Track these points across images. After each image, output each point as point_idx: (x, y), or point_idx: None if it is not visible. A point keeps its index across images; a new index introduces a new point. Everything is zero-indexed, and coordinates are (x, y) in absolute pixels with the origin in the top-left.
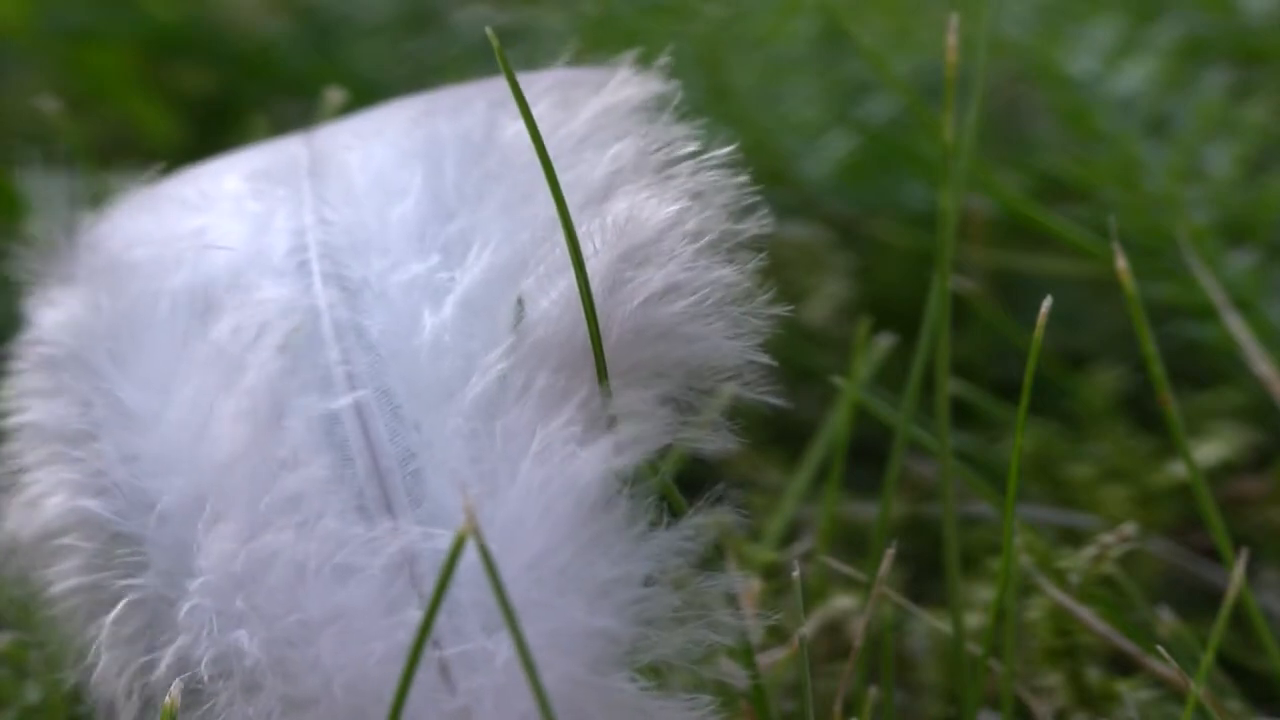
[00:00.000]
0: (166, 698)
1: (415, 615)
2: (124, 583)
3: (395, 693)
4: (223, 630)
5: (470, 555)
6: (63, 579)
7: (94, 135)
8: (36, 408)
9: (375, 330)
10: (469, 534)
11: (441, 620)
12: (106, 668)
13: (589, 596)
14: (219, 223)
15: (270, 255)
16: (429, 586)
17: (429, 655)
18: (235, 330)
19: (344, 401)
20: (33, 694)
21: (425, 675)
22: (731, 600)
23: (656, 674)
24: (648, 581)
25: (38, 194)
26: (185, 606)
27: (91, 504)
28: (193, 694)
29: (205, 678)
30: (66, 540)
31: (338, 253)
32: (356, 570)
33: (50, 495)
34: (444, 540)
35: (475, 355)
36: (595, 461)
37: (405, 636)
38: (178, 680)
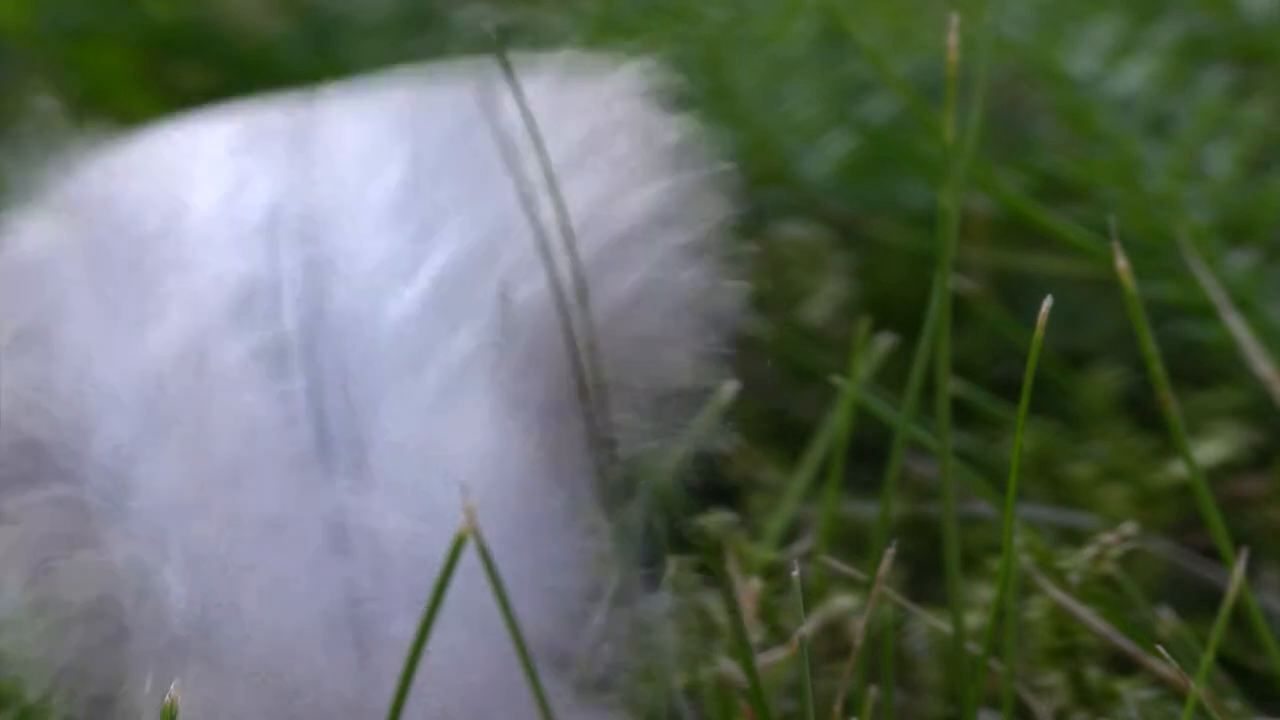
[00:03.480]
0: (166, 698)
1: (342, 577)
2: (51, 481)
3: (394, 694)
4: (151, 564)
5: (409, 545)
6: None
7: (94, 135)
8: None
9: (340, 303)
10: (469, 534)
11: (366, 590)
12: (3, 551)
13: (533, 596)
14: (195, 182)
15: (241, 220)
16: (359, 550)
17: (348, 619)
18: (195, 284)
19: (300, 371)
20: (33, 694)
21: (342, 642)
22: (704, 614)
23: (625, 689)
24: (617, 596)
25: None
26: (116, 529)
27: (32, 410)
28: (100, 617)
29: (126, 608)
30: None
31: (311, 223)
32: (288, 524)
33: None
34: (381, 509)
35: (438, 339)
36: (555, 460)
37: (330, 598)
38: (177, 680)
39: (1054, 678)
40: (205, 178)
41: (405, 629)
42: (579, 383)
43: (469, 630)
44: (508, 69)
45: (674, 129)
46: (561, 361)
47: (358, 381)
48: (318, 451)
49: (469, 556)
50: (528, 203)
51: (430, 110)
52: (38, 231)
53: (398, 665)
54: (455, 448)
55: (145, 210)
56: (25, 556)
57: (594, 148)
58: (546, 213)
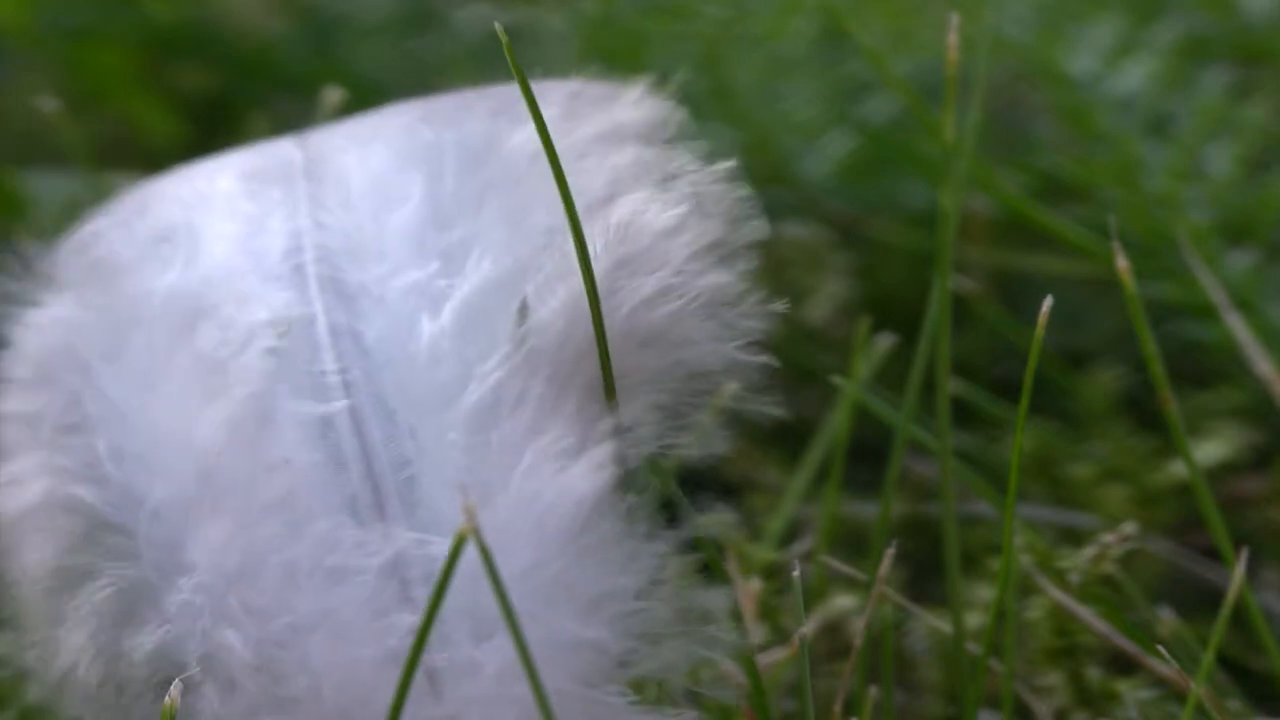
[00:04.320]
0: (166, 698)
1: (406, 620)
2: (110, 568)
3: (393, 699)
4: (213, 628)
5: (462, 564)
6: (43, 559)
7: (94, 135)
8: (26, 395)
9: (372, 336)
10: (469, 534)
11: (437, 635)
12: (77, 647)
13: (579, 608)
14: (212, 223)
15: (265, 257)
16: (420, 593)
17: (418, 674)
18: (225, 331)
19: (338, 406)
20: (33, 694)
21: (417, 688)
22: (726, 613)
23: (643, 688)
24: (639, 594)
25: (38, 194)
26: (176, 600)
27: (82, 491)
28: (169, 683)
29: (196, 673)
30: (51, 521)
31: (334, 257)
32: (348, 574)
33: (37, 478)
34: (437, 547)
35: (472, 364)
36: (588, 473)
37: (395, 642)
38: (177, 681)
39: (1054, 678)
40: (221, 222)
41: (474, 656)
42: (607, 389)
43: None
44: (523, 83)
45: (683, 136)
46: (589, 371)
47: (399, 417)
48: (368, 493)
49: (518, 571)
50: (565, 215)
51: (442, 136)
52: (56, 310)
53: (473, 692)
54: (500, 475)
55: (164, 265)
56: (95, 649)
57: (608, 160)
58: (571, 227)
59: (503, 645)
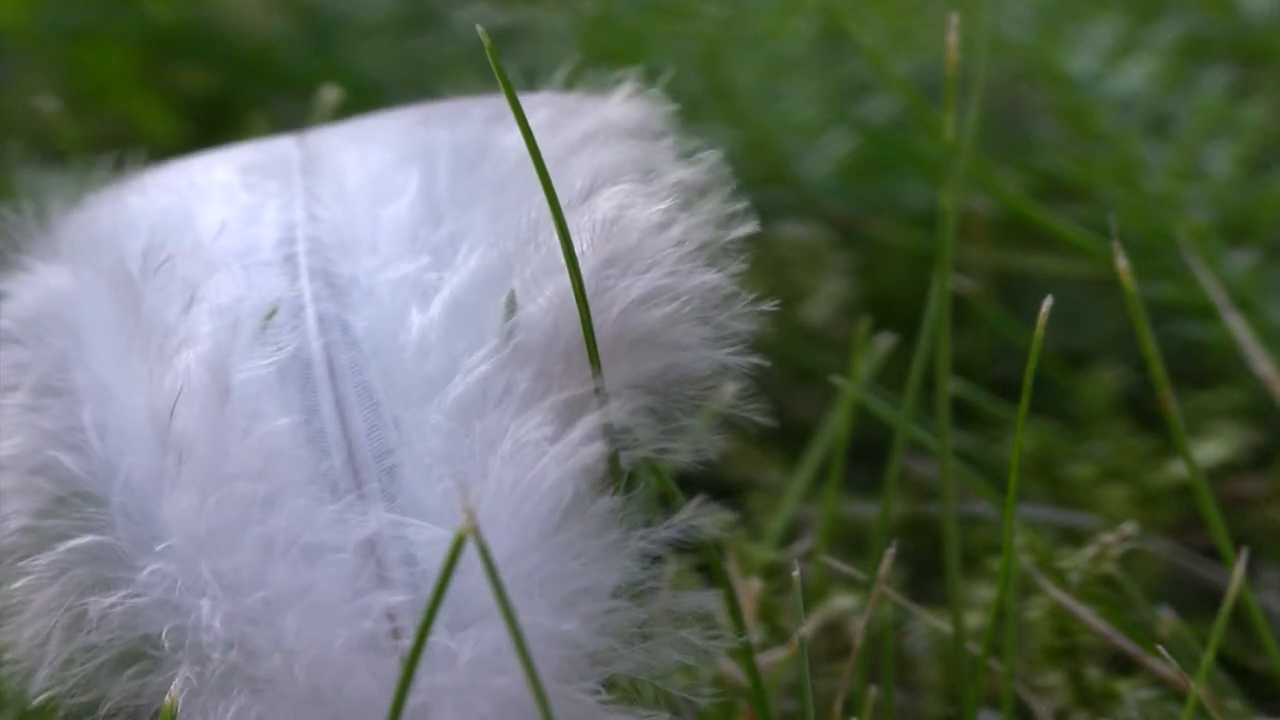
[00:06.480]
0: (167, 698)
1: (382, 601)
2: (82, 533)
3: (393, 700)
4: (185, 597)
5: (438, 553)
6: (13, 518)
7: (94, 135)
8: (13, 346)
9: (360, 326)
10: (469, 533)
11: (407, 615)
12: (41, 607)
13: (554, 602)
14: (207, 210)
15: (258, 246)
16: (397, 574)
17: (391, 646)
18: (211, 311)
19: (324, 394)
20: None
21: (387, 667)
22: (717, 615)
23: (636, 689)
24: (617, 592)
25: (30, 187)
26: (148, 568)
27: (62, 456)
28: (141, 656)
29: (165, 646)
30: (26, 480)
31: (327, 249)
32: (325, 550)
33: (16, 430)
34: (416, 530)
35: (459, 356)
36: (568, 468)
37: (371, 624)
38: (177, 680)
39: (1054, 678)
40: (216, 210)
41: (448, 646)
42: (595, 387)
43: (501, 635)
44: (505, 83)
45: (676, 135)
46: (576, 368)
47: (384, 407)
48: (349, 475)
49: (496, 561)
50: (551, 215)
51: (438, 139)
52: (52, 277)
53: (447, 681)
54: (481, 465)
55: (158, 246)
56: (63, 611)
57: (595, 157)
58: (557, 225)
59: (478, 636)
